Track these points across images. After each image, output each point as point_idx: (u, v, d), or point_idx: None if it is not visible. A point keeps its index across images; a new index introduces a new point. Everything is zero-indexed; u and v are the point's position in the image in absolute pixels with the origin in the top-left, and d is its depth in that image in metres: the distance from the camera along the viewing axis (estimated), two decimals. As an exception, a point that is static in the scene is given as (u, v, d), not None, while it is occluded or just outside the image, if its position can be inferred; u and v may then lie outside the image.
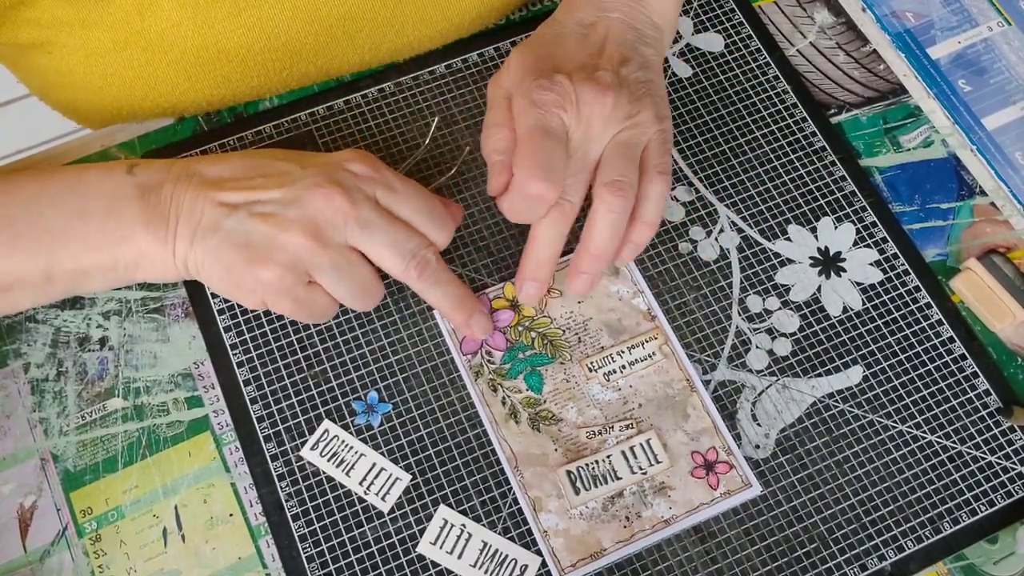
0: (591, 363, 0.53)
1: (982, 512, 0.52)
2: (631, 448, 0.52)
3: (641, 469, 0.51)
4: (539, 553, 0.49)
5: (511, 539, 0.50)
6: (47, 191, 0.47)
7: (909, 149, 0.61)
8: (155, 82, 0.58)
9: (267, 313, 0.54)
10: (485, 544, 0.50)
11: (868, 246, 0.58)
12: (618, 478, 0.51)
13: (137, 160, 0.50)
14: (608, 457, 0.51)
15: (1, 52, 0.60)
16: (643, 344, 0.54)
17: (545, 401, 0.53)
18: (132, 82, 0.58)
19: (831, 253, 0.57)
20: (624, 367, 0.54)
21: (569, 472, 0.51)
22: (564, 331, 0.54)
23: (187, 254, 0.47)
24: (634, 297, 0.55)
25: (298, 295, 0.48)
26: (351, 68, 0.62)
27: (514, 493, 0.51)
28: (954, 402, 0.54)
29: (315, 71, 0.60)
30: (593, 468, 0.51)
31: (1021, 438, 0.53)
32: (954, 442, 0.53)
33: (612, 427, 0.52)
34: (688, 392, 0.53)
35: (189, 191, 0.48)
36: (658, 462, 0.51)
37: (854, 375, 0.54)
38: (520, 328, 0.54)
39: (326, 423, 0.52)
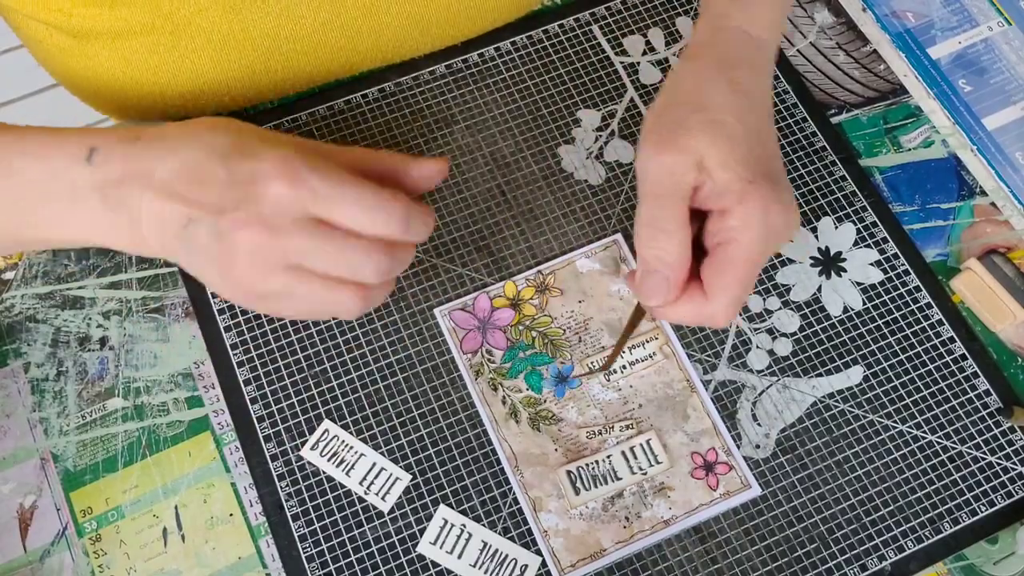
0: (591, 363, 0.53)
1: (982, 512, 0.52)
2: (631, 448, 0.52)
3: (641, 469, 0.51)
4: (539, 553, 0.49)
5: (511, 539, 0.50)
6: (10, 167, 0.45)
7: (909, 149, 0.61)
8: (179, 69, 0.57)
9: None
10: (485, 544, 0.50)
11: (868, 246, 0.58)
12: (618, 478, 0.51)
13: (95, 139, 0.44)
14: (608, 457, 0.51)
15: (27, 35, 0.60)
16: (644, 344, 0.54)
17: (545, 401, 0.53)
18: (156, 68, 0.57)
19: (831, 253, 0.57)
20: (624, 367, 0.54)
21: (569, 472, 0.51)
22: (564, 330, 0.54)
23: (163, 253, 0.45)
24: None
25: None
26: (373, 64, 0.61)
27: (514, 493, 0.51)
28: (954, 402, 0.54)
29: (338, 67, 0.60)
30: (593, 468, 0.51)
31: (1021, 438, 0.53)
32: (954, 442, 0.53)
33: (612, 427, 0.52)
34: (688, 393, 0.53)
35: (145, 198, 0.44)
36: (658, 462, 0.51)
37: (854, 375, 0.54)
38: (520, 327, 0.54)
39: (326, 423, 0.52)
